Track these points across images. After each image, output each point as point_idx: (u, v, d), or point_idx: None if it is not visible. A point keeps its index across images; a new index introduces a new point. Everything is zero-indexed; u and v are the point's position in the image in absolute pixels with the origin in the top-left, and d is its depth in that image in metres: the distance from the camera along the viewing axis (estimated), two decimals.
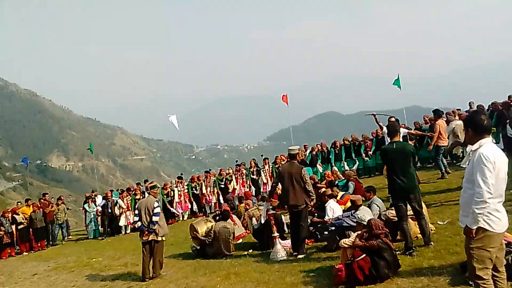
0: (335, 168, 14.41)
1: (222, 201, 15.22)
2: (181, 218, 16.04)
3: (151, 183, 10.94)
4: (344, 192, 9.93)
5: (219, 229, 8.81)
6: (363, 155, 15.42)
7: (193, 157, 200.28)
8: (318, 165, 15.93)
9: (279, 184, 7.89)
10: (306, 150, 17.04)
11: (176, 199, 15.77)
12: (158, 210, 7.92)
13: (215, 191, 15.86)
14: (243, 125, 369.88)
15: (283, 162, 15.39)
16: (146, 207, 7.96)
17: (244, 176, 15.86)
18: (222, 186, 15.88)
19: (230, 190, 15.59)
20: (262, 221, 8.66)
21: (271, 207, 8.37)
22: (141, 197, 15.37)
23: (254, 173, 15.88)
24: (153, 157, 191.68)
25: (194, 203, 15.95)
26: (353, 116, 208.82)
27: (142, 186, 16.87)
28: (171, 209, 15.52)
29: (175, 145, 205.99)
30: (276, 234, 8.03)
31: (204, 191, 15.88)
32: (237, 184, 15.66)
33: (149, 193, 8.59)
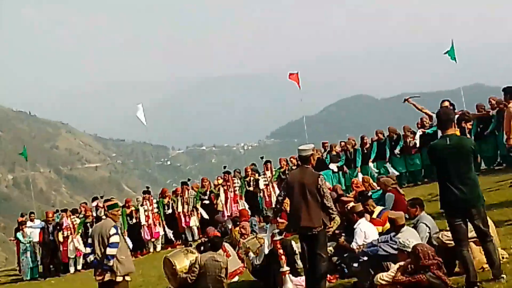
0: (360, 174, 14.59)
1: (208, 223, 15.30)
2: (151, 249, 15.98)
3: (109, 200, 10.55)
4: (382, 208, 9.95)
5: (206, 263, 8.91)
6: (395, 151, 15.77)
7: (168, 162, 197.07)
8: (334, 167, 16.15)
9: (287, 198, 7.93)
10: (324, 150, 17.03)
11: (143, 221, 15.75)
12: (115, 239, 8.01)
13: (196, 209, 15.92)
14: (237, 117, 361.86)
15: (293, 168, 15.44)
16: (100, 234, 8.10)
17: (237, 188, 15.84)
18: (206, 202, 15.86)
19: (219, 208, 15.62)
20: (266, 251, 8.78)
21: (277, 231, 8.45)
22: (94, 221, 15.35)
23: (252, 184, 15.88)
24: (111, 165, 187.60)
25: (167, 227, 16.06)
26: (391, 101, 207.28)
27: (98, 205, 16.91)
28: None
29: (143, 147, 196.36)
30: (285, 268, 8.11)
31: (180, 209, 15.86)
32: (226, 200, 15.62)
33: (106, 215, 8.72)
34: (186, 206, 15.87)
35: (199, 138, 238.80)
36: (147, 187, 17.99)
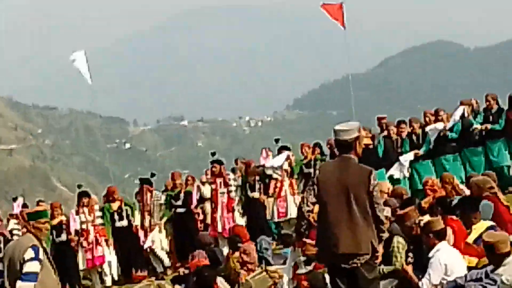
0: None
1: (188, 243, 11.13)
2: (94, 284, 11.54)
3: (38, 204, 9.64)
4: (489, 226, 7.31)
5: None
6: None
7: (127, 145, 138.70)
8: (410, 156, 11.70)
9: (318, 207, 6.19)
10: (382, 131, 12.68)
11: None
12: (32, 267, 6.39)
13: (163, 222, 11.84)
14: (238, 74, 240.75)
15: (323, 159, 11.86)
16: (11, 259, 6.55)
17: (234, 190, 11.82)
18: (181, 211, 11.69)
19: (206, 221, 11.80)
20: None
21: (302, 258, 7.39)
22: (4, 238, 11.16)
23: (256, 185, 11.83)
24: (36, 147, 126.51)
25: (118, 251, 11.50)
26: (489, 52, 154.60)
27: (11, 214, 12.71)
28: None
29: (87, 119, 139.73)
30: None
31: (138, 222, 11.69)
32: (216, 206, 11.65)
33: (26, 230, 6.85)
34: (147, 217, 11.67)
35: (177, 108, 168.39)
36: (79, 185, 13.17)
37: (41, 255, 6.49)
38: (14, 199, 13.97)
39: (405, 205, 8.26)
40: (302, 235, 6.63)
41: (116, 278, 11.90)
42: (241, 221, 11.68)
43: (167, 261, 11.90)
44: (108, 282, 11.70)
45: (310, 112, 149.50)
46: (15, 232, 11.32)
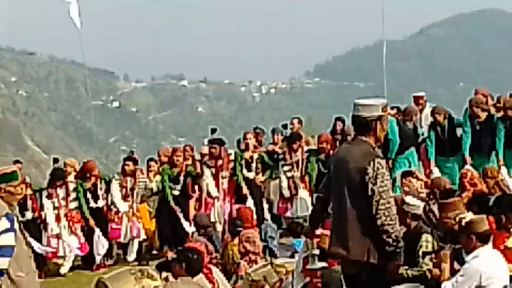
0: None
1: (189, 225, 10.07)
2: (66, 268, 10.37)
3: (14, 164, 9.58)
4: None
5: None
6: None
7: (115, 104, 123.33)
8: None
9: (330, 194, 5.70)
10: (423, 107, 11.51)
11: (50, 221, 10.07)
12: (6, 240, 5.85)
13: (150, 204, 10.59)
14: (251, 31, 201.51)
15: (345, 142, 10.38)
16: None
17: (237, 168, 10.69)
18: (177, 193, 10.28)
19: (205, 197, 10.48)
20: (297, 287, 7.14)
21: (315, 252, 6.67)
22: None
23: (253, 164, 10.66)
24: (8, 97, 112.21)
25: (98, 234, 10.22)
26: None
27: None
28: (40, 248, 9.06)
29: (70, 70, 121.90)
30: None
31: (119, 204, 10.30)
32: (216, 188, 10.52)
33: None
34: (129, 199, 10.33)
35: (176, 65, 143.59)
36: (55, 159, 11.32)
37: (16, 225, 5.95)
38: None
39: (446, 197, 7.51)
40: (316, 224, 6.11)
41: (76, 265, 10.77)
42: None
43: (136, 248, 10.69)
44: (66, 267, 10.53)
45: (333, 82, 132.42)
46: None
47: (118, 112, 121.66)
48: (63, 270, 10.42)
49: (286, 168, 10.74)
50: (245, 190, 10.63)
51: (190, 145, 11.18)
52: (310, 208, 9.65)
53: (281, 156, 10.89)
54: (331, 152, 10.15)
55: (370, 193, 5.15)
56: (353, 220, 5.31)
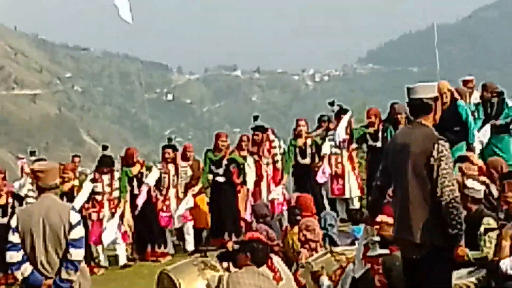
0: None
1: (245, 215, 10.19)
2: (123, 258, 10.25)
3: (73, 160, 10.00)
4: None
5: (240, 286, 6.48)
6: None
7: (169, 96, 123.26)
8: None
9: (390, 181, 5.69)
10: (472, 91, 11.13)
11: (79, 200, 9.51)
12: (81, 232, 5.75)
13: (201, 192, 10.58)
14: (303, 19, 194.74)
15: (400, 127, 10.13)
16: (45, 224, 5.68)
17: (278, 157, 10.75)
18: (221, 180, 10.25)
19: (243, 193, 10.43)
20: (356, 274, 6.90)
21: (376, 239, 6.62)
22: (13, 201, 10.01)
23: (308, 149, 10.62)
24: (64, 93, 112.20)
25: (152, 222, 10.14)
26: None
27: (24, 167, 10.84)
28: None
29: (123, 64, 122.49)
30: None
31: (164, 191, 10.30)
32: (258, 177, 10.57)
33: (41, 188, 5.69)
34: (176, 187, 10.28)
35: (229, 55, 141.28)
36: (105, 146, 11.39)
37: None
38: (32, 153, 11.99)
39: (506, 177, 7.14)
40: (376, 212, 6.17)
41: (128, 257, 10.54)
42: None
43: (191, 239, 10.66)
44: (122, 260, 10.37)
45: (386, 67, 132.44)
46: (30, 194, 9.65)
47: (173, 105, 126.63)
48: (122, 261, 10.27)
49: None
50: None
51: (248, 135, 11.15)
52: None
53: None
54: (380, 126, 10.38)
55: (435, 175, 5.14)
56: (417, 203, 5.30)
